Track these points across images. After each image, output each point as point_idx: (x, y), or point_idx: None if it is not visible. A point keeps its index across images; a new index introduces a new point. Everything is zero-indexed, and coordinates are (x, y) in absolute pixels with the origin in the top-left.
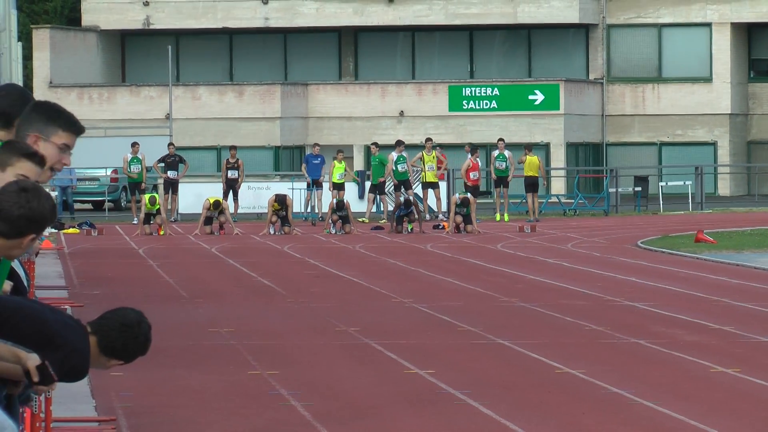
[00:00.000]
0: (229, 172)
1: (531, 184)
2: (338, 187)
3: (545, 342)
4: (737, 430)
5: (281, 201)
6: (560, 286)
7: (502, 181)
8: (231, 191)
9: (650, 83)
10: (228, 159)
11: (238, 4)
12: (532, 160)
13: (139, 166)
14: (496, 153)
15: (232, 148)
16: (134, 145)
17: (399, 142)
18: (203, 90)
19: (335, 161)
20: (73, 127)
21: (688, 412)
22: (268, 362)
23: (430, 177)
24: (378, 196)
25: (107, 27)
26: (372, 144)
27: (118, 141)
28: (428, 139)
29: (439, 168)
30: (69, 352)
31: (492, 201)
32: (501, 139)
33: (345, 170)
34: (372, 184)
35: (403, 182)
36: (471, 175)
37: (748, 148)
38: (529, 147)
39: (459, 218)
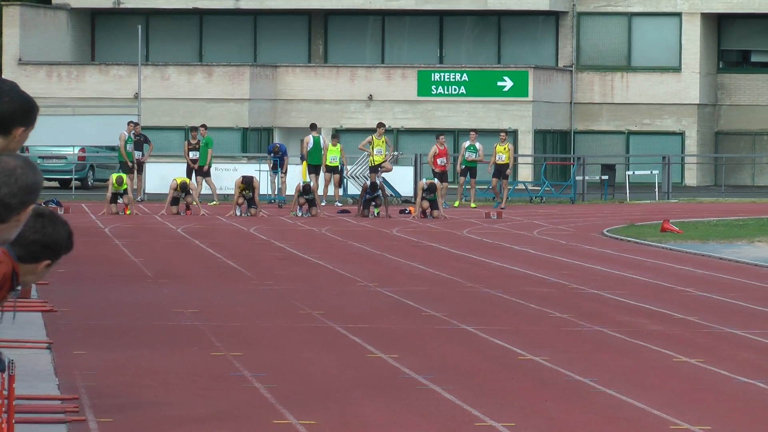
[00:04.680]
0: (191, 153)
1: (502, 171)
2: (331, 170)
3: (509, 328)
4: (700, 419)
5: (248, 183)
6: (525, 273)
7: (469, 170)
8: (194, 172)
9: (619, 72)
10: (189, 140)
11: None
12: (508, 147)
13: (132, 145)
14: (467, 143)
15: (193, 129)
16: (129, 123)
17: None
18: (172, 70)
19: (330, 144)
20: None
21: (651, 402)
22: (232, 344)
23: (378, 159)
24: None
25: (77, 5)
26: (201, 126)
27: (86, 119)
28: (380, 125)
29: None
30: None
31: (455, 187)
32: (473, 131)
33: (340, 153)
34: (200, 166)
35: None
36: (438, 161)
37: (715, 138)
38: (506, 133)
39: (426, 203)
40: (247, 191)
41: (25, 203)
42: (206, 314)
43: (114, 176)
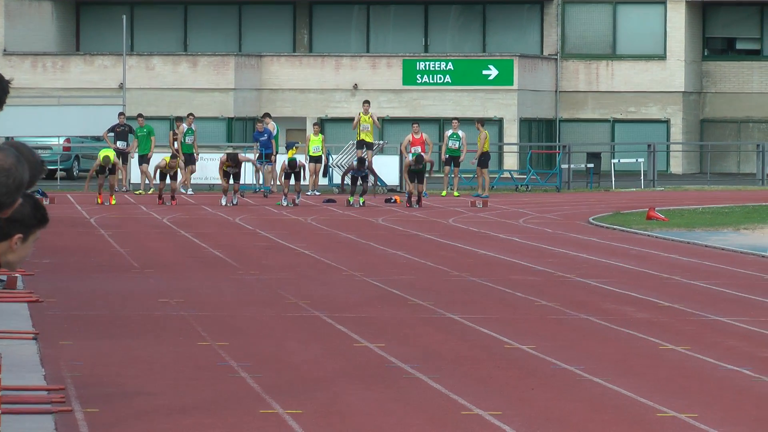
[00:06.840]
0: (176, 143)
1: (484, 160)
2: (315, 160)
3: (495, 317)
4: (686, 407)
5: (233, 158)
6: (511, 261)
7: (453, 159)
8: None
9: (604, 60)
10: (174, 130)
11: None
12: (485, 134)
13: (192, 137)
14: (449, 132)
15: (179, 119)
16: (189, 116)
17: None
18: (157, 60)
19: (312, 134)
20: None
21: (637, 389)
22: (218, 333)
23: (364, 136)
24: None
25: None
26: (138, 115)
27: (71, 110)
28: (366, 102)
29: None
30: None
31: (441, 176)
32: (455, 119)
33: (322, 143)
34: (140, 155)
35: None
36: (412, 149)
37: (701, 126)
38: (482, 122)
39: (411, 185)
40: (233, 167)
41: (16, 199)
42: (192, 304)
43: (101, 155)
